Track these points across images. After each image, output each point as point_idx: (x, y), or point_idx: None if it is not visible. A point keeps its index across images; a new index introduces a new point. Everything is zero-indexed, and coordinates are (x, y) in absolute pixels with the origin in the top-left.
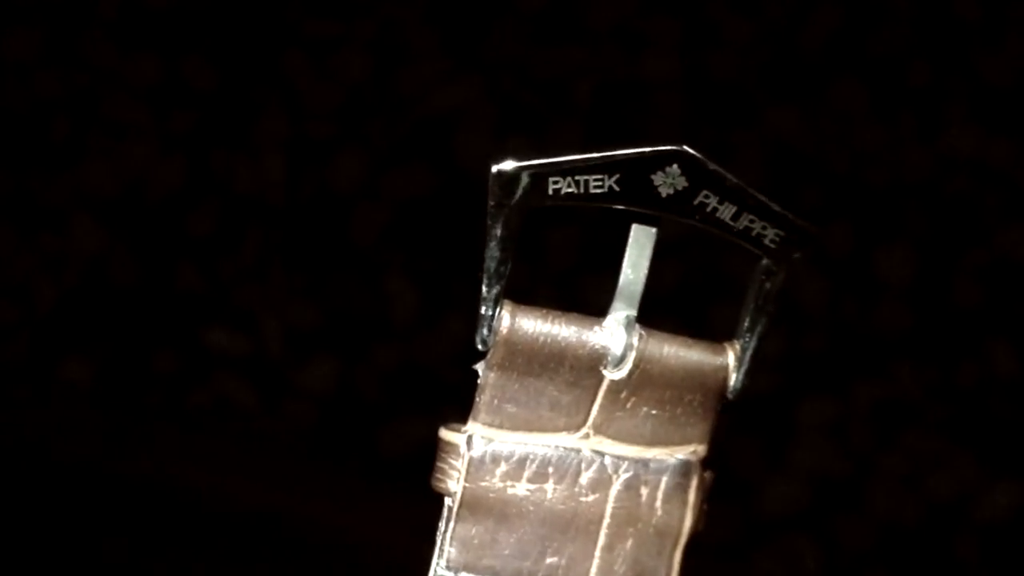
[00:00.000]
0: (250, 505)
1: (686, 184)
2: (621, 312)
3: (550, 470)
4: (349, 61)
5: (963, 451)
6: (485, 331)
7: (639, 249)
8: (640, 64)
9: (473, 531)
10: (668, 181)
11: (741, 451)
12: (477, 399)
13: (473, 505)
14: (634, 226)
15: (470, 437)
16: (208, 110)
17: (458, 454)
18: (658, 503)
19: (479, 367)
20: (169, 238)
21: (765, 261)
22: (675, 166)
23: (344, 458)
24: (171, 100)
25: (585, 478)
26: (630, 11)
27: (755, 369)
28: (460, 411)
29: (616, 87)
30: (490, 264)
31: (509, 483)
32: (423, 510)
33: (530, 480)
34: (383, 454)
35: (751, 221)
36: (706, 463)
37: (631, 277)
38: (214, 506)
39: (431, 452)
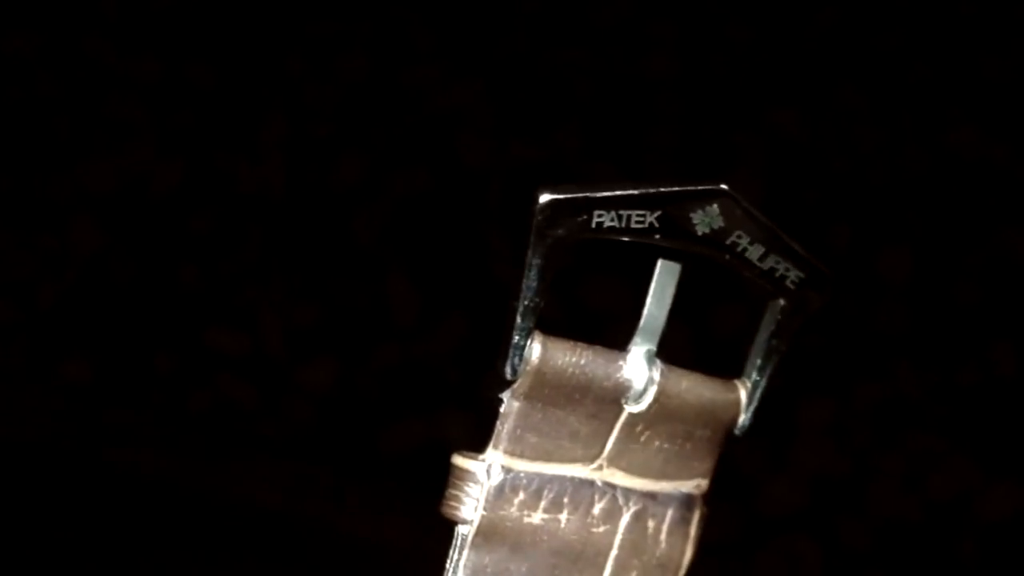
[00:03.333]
0: (251, 505)
1: (722, 224)
2: (643, 346)
3: (565, 500)
4: (349, 61)
5: (963, 451)
6: (516, 360)
7: (663, 285)
8: (640, 64)
9: (487, 560)
10: (706, 220)
11: (741, 451)
12: (499, 427)
13: (489, 534)
14: (660, 262)
15: (490, 466)
16: (208, 110)
17: (476, 482)
18: (662, 536)
19: (504, 395)
20: (170, 238)
21: (782, 302)
22: (715, 205)
23: (344, 458)
24: (171, 100)
25: (598, 509)
26: (630, 11)
27: (763, 407)
28: (458, 412)
29: (616, 87)
30: (527, 294)
31: (526, 512)
32: (423, 510)
33: (546, 510)
34: (383, 454)
35: (776, 262)
36: (707, 498)
37: (655, 312)
38: (214, 506)
39: (431, 452)
